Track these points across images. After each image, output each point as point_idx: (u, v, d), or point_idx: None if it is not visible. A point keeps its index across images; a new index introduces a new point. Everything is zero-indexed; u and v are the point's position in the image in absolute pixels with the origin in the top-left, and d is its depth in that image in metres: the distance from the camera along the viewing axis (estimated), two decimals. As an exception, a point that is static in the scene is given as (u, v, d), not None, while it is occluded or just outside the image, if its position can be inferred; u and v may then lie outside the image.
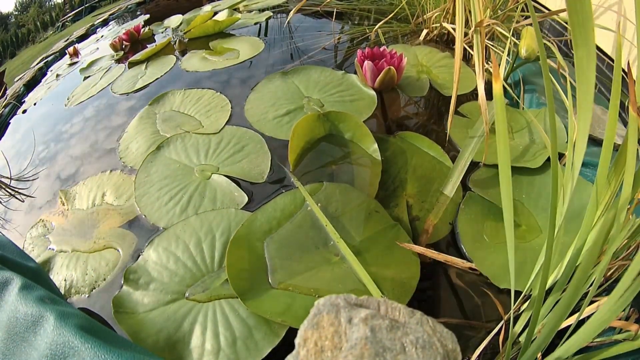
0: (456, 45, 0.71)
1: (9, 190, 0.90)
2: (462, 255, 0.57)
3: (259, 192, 0.70)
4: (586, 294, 0.36)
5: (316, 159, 0.74)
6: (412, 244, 0.58)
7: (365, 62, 0.86)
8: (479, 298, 0.52)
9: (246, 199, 0.68)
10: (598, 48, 0.83)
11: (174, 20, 1.65)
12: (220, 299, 0.54)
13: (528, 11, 0.92)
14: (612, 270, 0.46)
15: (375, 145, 0.73)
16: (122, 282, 0.58)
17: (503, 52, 0.79)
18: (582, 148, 0.33)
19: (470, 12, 0.74)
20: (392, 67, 0.84)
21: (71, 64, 1.63)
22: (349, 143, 0.77)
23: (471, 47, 0.74)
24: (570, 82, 0.55)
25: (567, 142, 0.71)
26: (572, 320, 0.38)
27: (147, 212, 0.70)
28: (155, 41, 1.52)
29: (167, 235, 0.63)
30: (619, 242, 0.39)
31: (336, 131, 0.79)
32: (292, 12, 1.21)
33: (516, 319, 0.45)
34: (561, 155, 0.69)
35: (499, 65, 0.75)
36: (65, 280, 0.64)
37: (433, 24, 1.11)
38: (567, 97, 0.69)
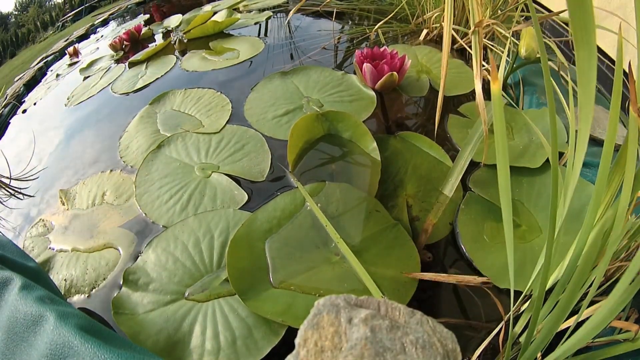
0: (444, 47, 0.71)
1: (9, 190, 0.90)
2: (462, 255, 0.57)
3: (259, 191, 0.70)
4: (586, 294, 0.36)
5: (315, 158, 0.74)
6: (413, 243, 0.58)
7: (365, 64, 0.86)
8: (479, 298, 0.52)
9: (246, 197, 0.68)
10: (599, 49, 0.83)
11: (174, 20, 1.65)
12: (219, 298, 0.54)
13: (528, 11, 0.92)
14: (612, 271, 0.46)
15: (374, 144, 0.72)
16: (121, 283, 0.58)
17: (503, 52, 0.79)
18: (582, 148, 0.33)
19: (469, 11, 0.74)
20: (394, 73, 0.84)
21: (71, 64, 1.63)
22: (347, 142, 0.77)
23: (471, 46, 0.74)
24: (570, 82, 0.55)
25: (567, 142, 0.71)
26: (571, 322, 0.38)
27: (147, 210, 0.70)
28: (155, 41, 1.52)
29: (166, 235, 0.63)
30: (617, 243, 0.39)
31: (335, 131, 0.79)
32: (291, 12, 1.21)
33: (516, 319, 0.45)
34: (561, 155, 0.69)
35: (499, 65, 0.75)
36: (65, 280, 0.64)
37: (433, 24, 1.11)
38: (567, 97, 0.69)
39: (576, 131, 0.34)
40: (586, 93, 0.29)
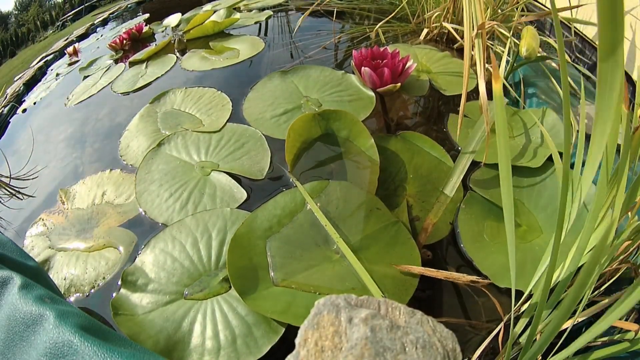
0: (465, 52, 0.71)
1: (9, 190, 0.90)
2: (462, 255, 0.57)
3: (259, 189, 0.70)
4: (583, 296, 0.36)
5: (313, 158, 0.74)
6: (414, 241, 0.58)
7: (363, 68, 0.85)
8: (479, 298, 0.52)
9: (245, 195, 0.68)
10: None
11: (173, 19, 1.65)
12: (218, 295, 0.54)
13: (528, 11, 0.92)
14: (611, 272, 0.46)
15: (372, 142, 0.72)
16: (120, 284, 0.58)
17: (503, 52, 0.79)
18: (597, 157, 0.33)
19: (471, 13, 0.74)
20: (397, 85, 0.84)
21: (71, 64, 1.62)
22: (345, 141, 0.76)
23: (471, 47, 0.74)
24: (571, 82, 0.55)
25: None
26: (568, 323, 0.38)
27: (147, 208, 0.70)
28: (155, 40, 1.52)
29: (164, 236, 0.63)
30: (615, 249, 0.39)
31: (332, 130, 0.78)
32: (301, 19, 1.21)
33: (517, 319, 0.45)
34: (561, 156, 0.69)
35: (500, 64, 0.75)
36: (65, 279, 0.64)
37: (433, 23, 1.11)
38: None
39: (577, 131, 0.34)
40: (605, 106, 0.28)
